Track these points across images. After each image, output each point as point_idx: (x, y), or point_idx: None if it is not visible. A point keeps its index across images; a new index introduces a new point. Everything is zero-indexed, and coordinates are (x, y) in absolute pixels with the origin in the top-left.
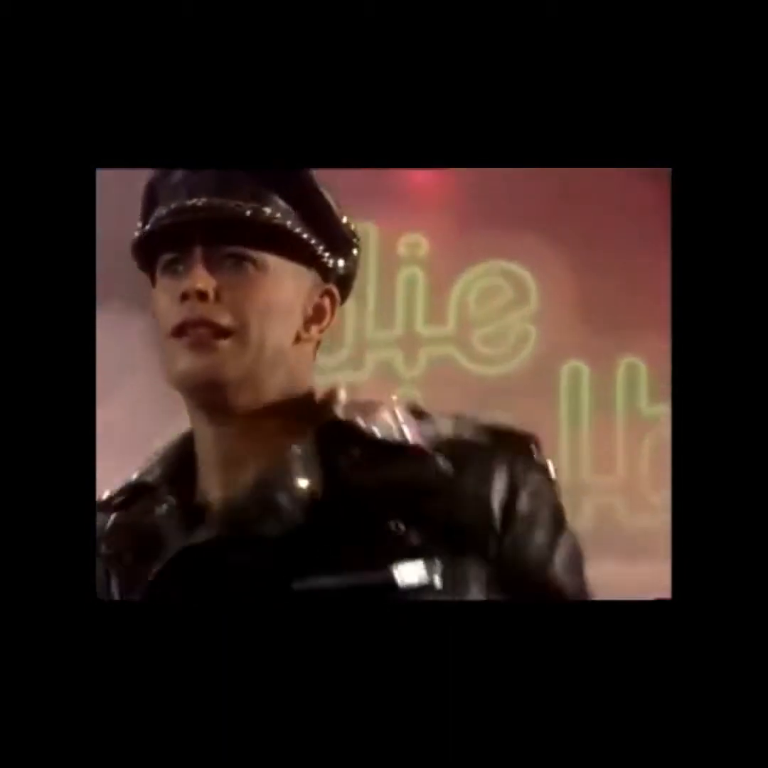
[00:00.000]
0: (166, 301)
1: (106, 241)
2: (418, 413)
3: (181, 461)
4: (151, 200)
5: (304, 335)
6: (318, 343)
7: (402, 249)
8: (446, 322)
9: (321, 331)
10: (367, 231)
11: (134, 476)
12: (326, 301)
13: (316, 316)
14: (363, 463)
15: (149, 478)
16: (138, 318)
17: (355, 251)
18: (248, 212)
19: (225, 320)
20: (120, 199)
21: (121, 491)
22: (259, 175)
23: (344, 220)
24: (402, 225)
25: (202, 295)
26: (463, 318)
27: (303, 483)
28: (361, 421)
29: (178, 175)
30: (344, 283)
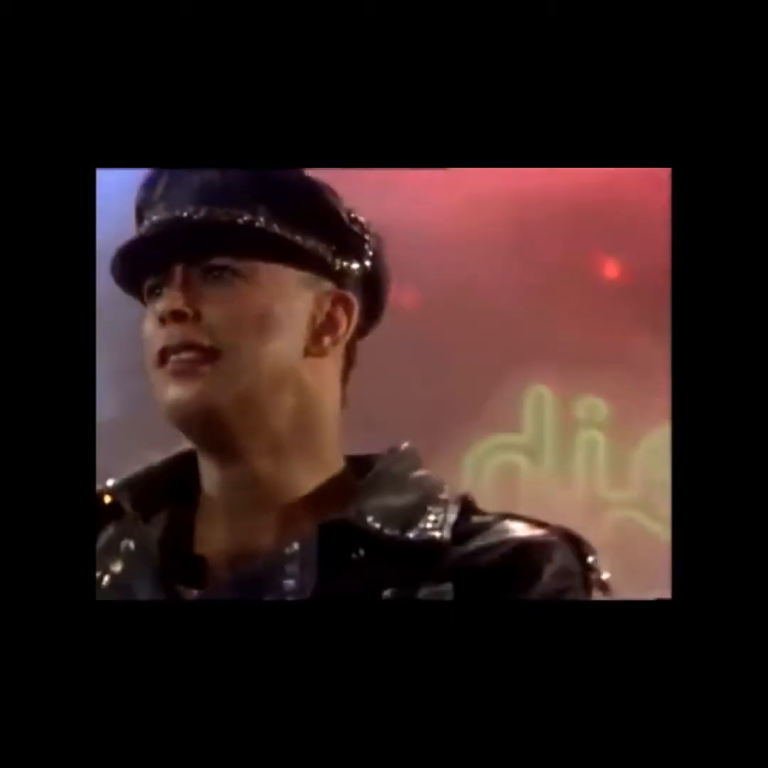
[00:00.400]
0: (149, 328)
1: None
2: (471, 507)
3: (172, 489)
4: (139, 224)
5: (314, 348)
6: (346, 358)
7: (580, 412)
8: (630, 485)
9: (335, 342)
10: (542, 394)
11: (110, 486)
12: (339, 309)
13: (329, 325)
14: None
15: (125, 503)
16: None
17: (369, 251)
18: (225, 219)
19: (208, 340)
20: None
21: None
22: (244, 181)
23: (353, 218)
24: (577, 388)
25: (178, 316)
26: (647, 480)
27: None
28: (386, 528)
29: (159, 190)
30: (368, 287)
